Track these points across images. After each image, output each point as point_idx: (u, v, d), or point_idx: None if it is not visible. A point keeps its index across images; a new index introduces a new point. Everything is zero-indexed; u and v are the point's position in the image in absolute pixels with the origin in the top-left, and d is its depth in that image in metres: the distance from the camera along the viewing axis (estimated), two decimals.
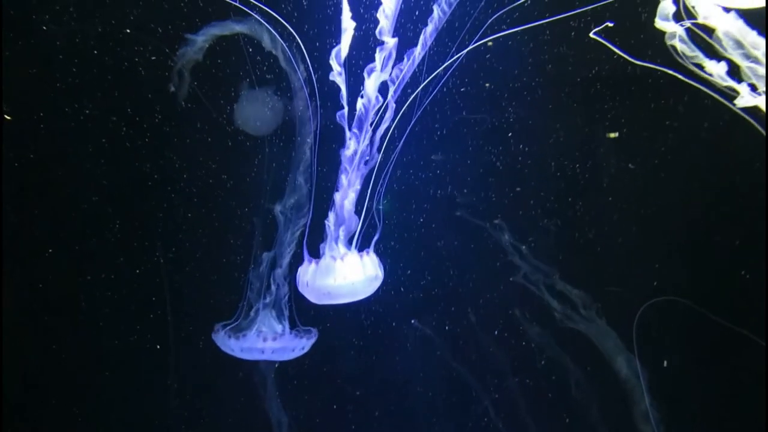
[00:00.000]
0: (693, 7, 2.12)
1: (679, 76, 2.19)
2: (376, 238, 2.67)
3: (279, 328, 2.98)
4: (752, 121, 2.07)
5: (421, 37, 2.46)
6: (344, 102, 2.51)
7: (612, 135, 3.13)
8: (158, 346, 3.24)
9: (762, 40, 1.99)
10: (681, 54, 2.15)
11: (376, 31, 2.37)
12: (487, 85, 3.05)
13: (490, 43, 2.87)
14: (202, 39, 2.85)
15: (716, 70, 2.05)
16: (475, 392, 3.37)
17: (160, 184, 3.13)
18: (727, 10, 2.05)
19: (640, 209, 3.17)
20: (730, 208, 3.07)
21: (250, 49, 2.91)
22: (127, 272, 3.18)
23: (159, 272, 3.19)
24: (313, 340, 3.03)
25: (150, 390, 3.29)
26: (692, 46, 2.12)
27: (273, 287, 3.04)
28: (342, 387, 3.40)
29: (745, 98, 2.01)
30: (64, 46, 2.91)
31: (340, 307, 3.18)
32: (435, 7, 2.45)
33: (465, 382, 3.37)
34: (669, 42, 2.19)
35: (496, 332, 3.33)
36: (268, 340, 2.90)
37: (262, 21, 2.73)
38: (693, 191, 3.11)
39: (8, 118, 2.91)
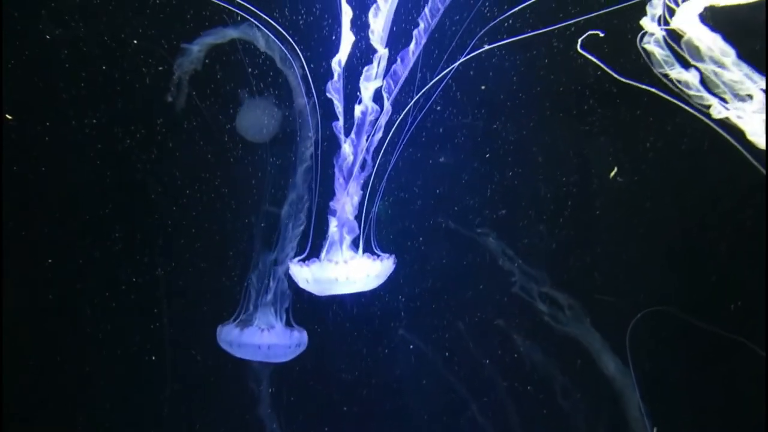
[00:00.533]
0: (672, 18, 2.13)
1: (662, 94, 2.20)
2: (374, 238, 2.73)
3: (276, 324, 3.06)
4: (722, 132, 2.06)
5: (413, 43, 2.49)
6: (339, 112, 2.54)
7: (612, 173, 3.14)
8: (154, 356, 3.28)
9: (730, 50, 1.99)
10: (652, 59, 2.16)
11: (369, 32, 2.40)
12: (483, 87, 3.05)
13: (486, 46, 2.88)
14: (197, 48, 2.89)
15: (686, 78, 2.05)
16: (467, 400, 3.38)
17: (162, 193, 3.18)
18: (705, 22, 2.06)
19: (631, 219, 3.16)
20: (722, 218, 3.04)
21: (248, 62, 2.95)
22: (126, 277, 3.23)
23: (157, 278, 3.23)
24: (305, 336, 3.10)
25: (145, 396, 3.33)
26: (667, 51, 2.12)
27: (272, 285, 3.11)
28: (334, 401, 3.43)
29: (717, 108, 2.01)
30: (69, 56, 2.95)
31: (334, 319, 3.26)
32: (425, 9, 2.48)
33: (458, 390, 3.38)
34: (642, 45, 2.20)
35: (487, 339, 3.33)
36: (265, 331, 2.99)
37: (260, 25, 2.76)
38: (683, 201, 3.10)
39: (9, 117, 2.93)
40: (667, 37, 2.15)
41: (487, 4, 2.77)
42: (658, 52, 2.14)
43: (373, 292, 2.78)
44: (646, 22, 2.25)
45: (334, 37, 2.48)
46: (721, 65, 2.01)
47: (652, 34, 2.22)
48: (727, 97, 2.01)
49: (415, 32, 2.48)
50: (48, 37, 2.90)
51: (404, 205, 3.19)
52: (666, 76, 2.12)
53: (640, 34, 2.26)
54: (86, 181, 3.13)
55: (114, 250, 3.20)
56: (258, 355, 3.02)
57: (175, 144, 3.13)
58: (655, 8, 2.25)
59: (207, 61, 2.95)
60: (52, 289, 3.19)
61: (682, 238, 3.13)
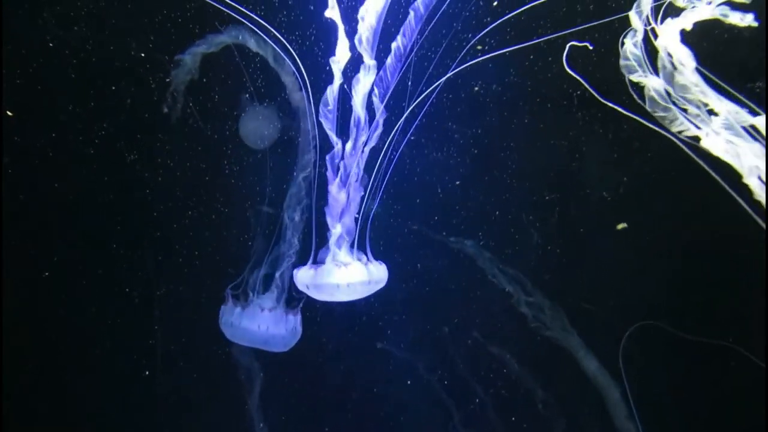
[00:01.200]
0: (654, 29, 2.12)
1: (642, 121, 2.18)
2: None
3: (277, 307, 3.12)
4: (682, 145, 2.05)
5: (398, 40, 2.49)
6: (328, 124, 2.57)
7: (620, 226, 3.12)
8: (148, 370, 3.36)
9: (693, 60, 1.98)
10: (622, 56, 2.14)
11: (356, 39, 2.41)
12: (476, 88, 3.04)
13: (479, 46, 2.87)
14: (190, 58, 2.92)
15: (653, 84, 2.03)
16: (451, 408, 3.40)
17: (167, 204, 3.22)
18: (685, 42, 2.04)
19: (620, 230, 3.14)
20: (715, 228, 2.98)
21: (243, 65, 2.97)
22: (126, 289, 3.30)
23: (156, 291, 3.29)
24: (299, 323, 3.16)
25: (138, 403, 3.41)
26: (639, 53, 2.11)
27: (276, 275, 3.16)
28: (319, 413, 3.49)
29: (680, 122, 2.00)
30: (75, 68, 2.99)
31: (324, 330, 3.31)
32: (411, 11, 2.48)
33: (442, 398, 3.41)
34: (625, 40, 2.18)
35: (473, 347, 3.34)
36: (265, 310, 3.07)
37: (250, 24, 2.76)
38: (673, 211, 3.06)
39: (10, 114, 2.95)
40: (641, 44, 2.14)
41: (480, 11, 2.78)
42: (631, 52, 2.12)
43: (359, 302, 2.80)
44: (634, 18, 2.22)
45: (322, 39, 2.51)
46: (686, 79, 2.01)
47: (635, 33, 2.20)
48: (689, 108, 2.00)
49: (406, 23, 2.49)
50: (51, 45, 2.92)
51: (391, 213, 3.20)
52: (631, 81, 2.11)
53: (625, 32, 2.24)
54: (88, 191, 3.17)
55: (115, 255, 3.26)
56: (257, 338, 3.08)
57: (174, 154, 3.15)
58: (643, 8, 2.22)
59: (202, 70, 2.98)
60: (53, 296, 3.26)
61: (673, 247, 3.10)
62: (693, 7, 2.11)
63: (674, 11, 2.17)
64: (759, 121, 1.97)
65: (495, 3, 2.76)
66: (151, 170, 3.16)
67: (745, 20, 2.02)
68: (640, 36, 2.13)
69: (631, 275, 3.14)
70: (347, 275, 2.63)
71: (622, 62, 2.15)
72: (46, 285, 3.23)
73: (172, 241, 3.26)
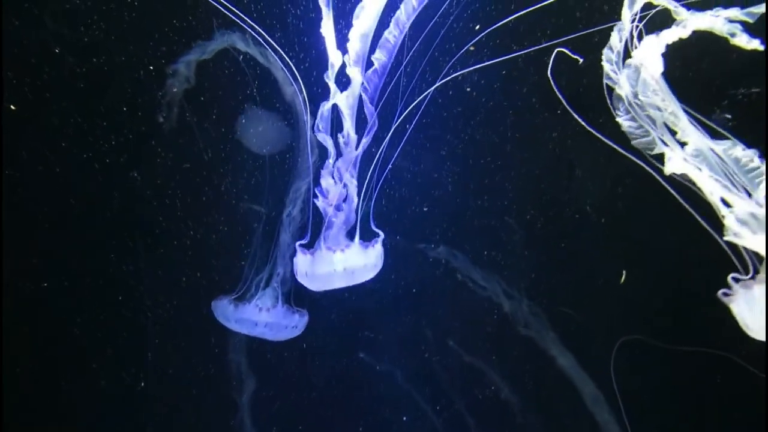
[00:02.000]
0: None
1: (625, 152, 2.17)
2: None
3: (275, 303, 3.12)
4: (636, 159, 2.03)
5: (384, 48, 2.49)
6: (330, 148, 2.57)
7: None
8: (143, 382, 3.40)
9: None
10: (610, 47, 2.12)
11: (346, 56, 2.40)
12: (468, 89, 3.02)
13: (472, 48, 2.87)
14: (183, 67, 2.92)
15: (625, 87, 2.03)
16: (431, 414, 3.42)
17: (168, 220, 3.24)
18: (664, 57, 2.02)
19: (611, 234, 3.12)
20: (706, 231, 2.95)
21: (233, 68, 2.97)
22: (125, 296, 3.33)
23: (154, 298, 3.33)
24: (305, 319, 3.16)
25: (134, 410, 3.46)
26: (622, 51, 2.10)
27: (278, 271, 3.17)
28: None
29: (637, 124, 2.00)
30: (78, 79, 2.98)
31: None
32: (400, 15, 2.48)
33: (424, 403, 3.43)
34: (612, 33, 2.16)
35: (457, 356, 3.35)
36: (263, 311, 3.06)
37: (252, 31, 2.75)
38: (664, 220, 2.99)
39: (13, 108, 2.93)
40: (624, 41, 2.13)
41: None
42: (615, 46, 2.11)
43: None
44: (625, 14, 2.20)
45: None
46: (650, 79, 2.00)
47: (622, 29, 2.18)
48: (651, 112, 1.99)
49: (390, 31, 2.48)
50: (56, 51, 2.90)
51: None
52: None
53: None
54: (92, 200, 3.20)
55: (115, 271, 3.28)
56: (255, 331, 3.11)
57: (176, 174, 3.16)
58: (635, 6, 2.21)
59: (197, 78, 2.98)
60: (54, 305, 3.29)
61: (664, 255, 3.06)
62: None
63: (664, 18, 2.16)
64: (718, 146, 1.95)
65: (477, 27, 2.77)
66: (153, 189, 3.18)
67: (751, 44, 1.92)
68: (626, 34, 2.12)
69: (621, 283, 3.09)
70: (344, 259, 2.64)
71: (605, 52, 2.13)
72: (47, 294, 3.26)
73: (172, 256, 3.28)
